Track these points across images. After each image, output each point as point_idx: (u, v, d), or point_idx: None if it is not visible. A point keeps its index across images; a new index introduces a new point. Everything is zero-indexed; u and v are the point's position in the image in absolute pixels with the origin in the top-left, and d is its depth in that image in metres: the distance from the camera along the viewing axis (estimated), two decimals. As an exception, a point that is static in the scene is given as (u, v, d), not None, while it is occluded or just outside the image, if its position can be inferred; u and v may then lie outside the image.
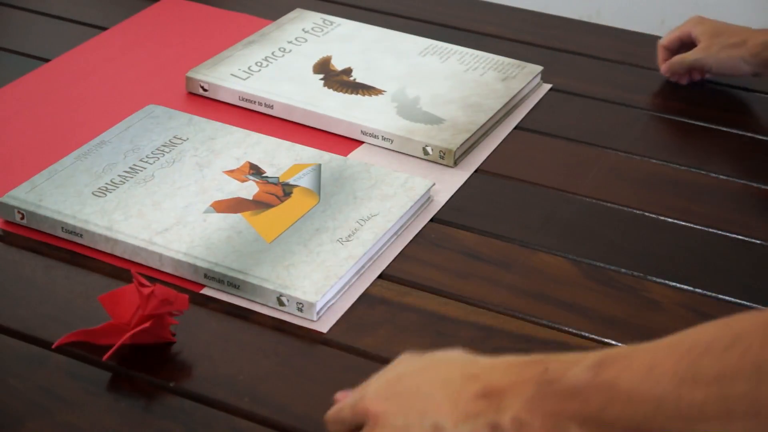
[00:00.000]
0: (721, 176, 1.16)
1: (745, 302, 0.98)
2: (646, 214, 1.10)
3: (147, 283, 0.88)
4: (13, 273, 0.99)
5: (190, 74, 1.27)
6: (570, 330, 0.94)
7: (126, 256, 1.00)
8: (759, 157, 1.21)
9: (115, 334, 0.88)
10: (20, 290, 0.97)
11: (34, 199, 1.04)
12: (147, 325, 0.87)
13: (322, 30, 1.38)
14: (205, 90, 1.26)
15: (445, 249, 1.04)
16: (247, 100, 1.25)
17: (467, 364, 0.76)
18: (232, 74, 1.27)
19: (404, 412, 0.75)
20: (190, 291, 0.96)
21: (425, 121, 1.19)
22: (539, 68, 1.31)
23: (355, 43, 1.35)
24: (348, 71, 1.29)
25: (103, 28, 1.42)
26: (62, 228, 1.02)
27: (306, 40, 1.35)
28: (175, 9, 1.48)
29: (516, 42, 1.42)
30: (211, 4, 1.49)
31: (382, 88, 1.25)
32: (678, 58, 1.31)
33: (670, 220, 1.09)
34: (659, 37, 1.35)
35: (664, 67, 1.34)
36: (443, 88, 1.26)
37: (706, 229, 1.08)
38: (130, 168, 1.09)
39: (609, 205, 1.11)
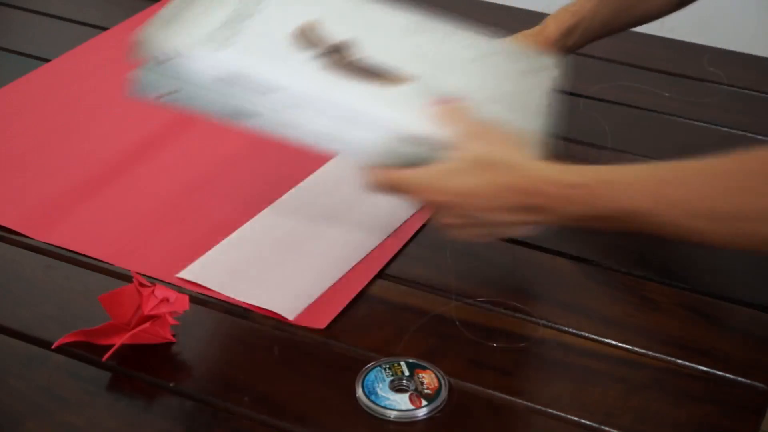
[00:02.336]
0: (721, 176, 1.16)
1: (744, 302, 0.98)
2: (646, 214, 1.10)
3: (147, 283, 0.88)
4: (13, 273, 0.99)
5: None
6: (570, 330, 0.94)
7: None
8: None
9: (115, 334, 0.88)
10: (20, 290, 0.97)
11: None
12: (147, 325, 0.87)
13: None
14: None
15: (445, 249, 1.03)
16: None
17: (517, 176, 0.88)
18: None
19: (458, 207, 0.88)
20: (190, 291, 0.96)
21: None
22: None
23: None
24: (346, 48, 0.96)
25: (103, 28, 1.42)
26: None
27: None
28: (175, 9, 1.47)
29: (516, 42, 1.42)
30: (211, 4, 1.48)
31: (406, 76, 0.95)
32: None
33: (670, 220, 1.09)
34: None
35: None
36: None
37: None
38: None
39: (609, 205, 1.11)
